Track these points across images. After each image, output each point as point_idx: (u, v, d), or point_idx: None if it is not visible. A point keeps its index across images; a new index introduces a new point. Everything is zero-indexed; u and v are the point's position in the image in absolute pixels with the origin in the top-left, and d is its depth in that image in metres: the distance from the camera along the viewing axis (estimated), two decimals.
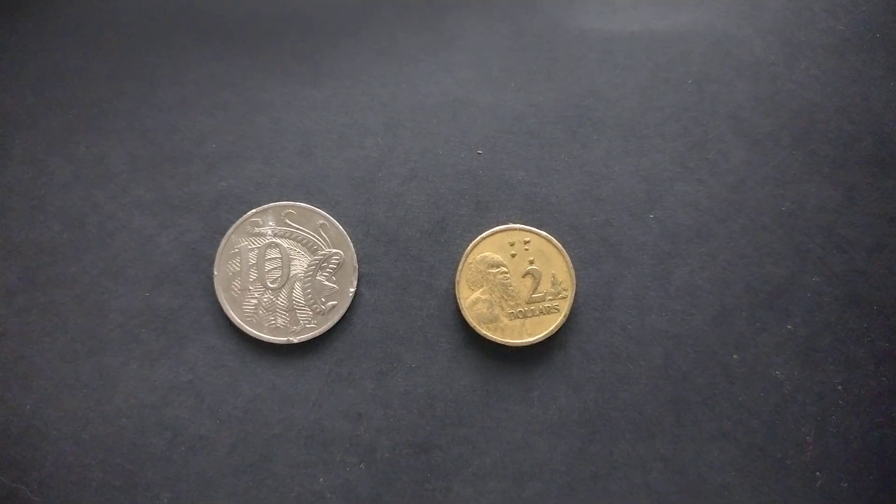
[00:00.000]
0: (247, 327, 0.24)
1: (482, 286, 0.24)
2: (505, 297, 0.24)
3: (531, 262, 0.24)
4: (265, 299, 0.24)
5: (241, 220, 0.24)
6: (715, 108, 0.25)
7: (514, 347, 0.24)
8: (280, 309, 0.24)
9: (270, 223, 0.24)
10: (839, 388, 0.24)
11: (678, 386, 0.24)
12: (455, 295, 0.24)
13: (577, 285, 0.24)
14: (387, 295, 0.24)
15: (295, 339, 0.24)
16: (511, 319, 0.24)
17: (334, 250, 0.24)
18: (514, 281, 0.24)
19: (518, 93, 0.25)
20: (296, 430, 0.24)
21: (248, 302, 0.24)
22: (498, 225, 0.24)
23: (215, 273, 0.24)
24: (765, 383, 0.24)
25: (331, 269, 0.24)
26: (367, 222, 0.25)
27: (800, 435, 0.23)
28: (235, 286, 0.24)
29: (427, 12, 0.26)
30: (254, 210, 0.24)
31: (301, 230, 0.24)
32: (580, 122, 0.25)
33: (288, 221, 0.24)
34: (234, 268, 0.24)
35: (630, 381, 0.24)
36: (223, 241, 0.24)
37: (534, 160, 0.25)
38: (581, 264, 0.24)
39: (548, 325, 0.24)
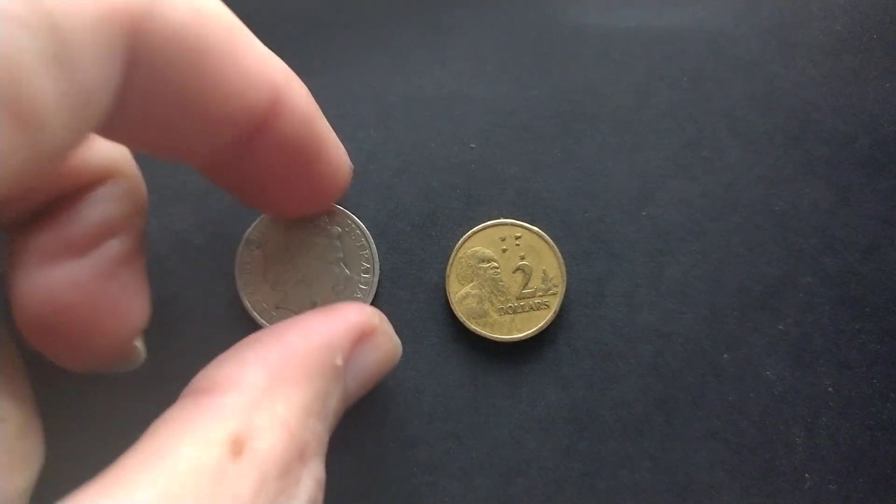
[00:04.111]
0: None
1: (472, 281, 0.24)
2: (495, 292, 0.24)
3: (522, 258, 0.24)
4: None
5: None
6: (710, 107, 0.25)
7: (504, 343, 0.24)
8: None
9: None
10: (830, 389, 0.24)
11: (668, 384, 0.24)
12: (445, 289, 0.24)
13: (567, 282, 0.24)
14: (377, 289, 0.24)
15: None
16: (500, 315, 0.23)
17: None
18: (505, 276, 0.24)
19: (512, 87, 0.25)
20: None
21: None
22: (489, 219, 0.24)
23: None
24: (755, 383, 0.24)
25: None
26: (357, 215, 0.24)
27: (790, 436, 0.23)
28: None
29: (422, 5, 0.26)
30: None
31: None
32: (574, 117, 0.25)
33: None
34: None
35: (619, 378, 0.24)
36: None
37: (527, 155, 0.25)
38: (572, 261, 0.24)
39: (537, 322, 0.23)
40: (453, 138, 0.25)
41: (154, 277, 0.24)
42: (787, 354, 0.24)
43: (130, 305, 0.18)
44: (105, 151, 0.17)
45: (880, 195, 0.24)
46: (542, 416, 0.24)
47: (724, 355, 0.24)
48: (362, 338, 0.18)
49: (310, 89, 0.26)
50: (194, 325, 0.24)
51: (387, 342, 0.19)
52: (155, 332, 0.24)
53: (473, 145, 0.25)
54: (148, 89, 0.13)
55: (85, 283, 0.16)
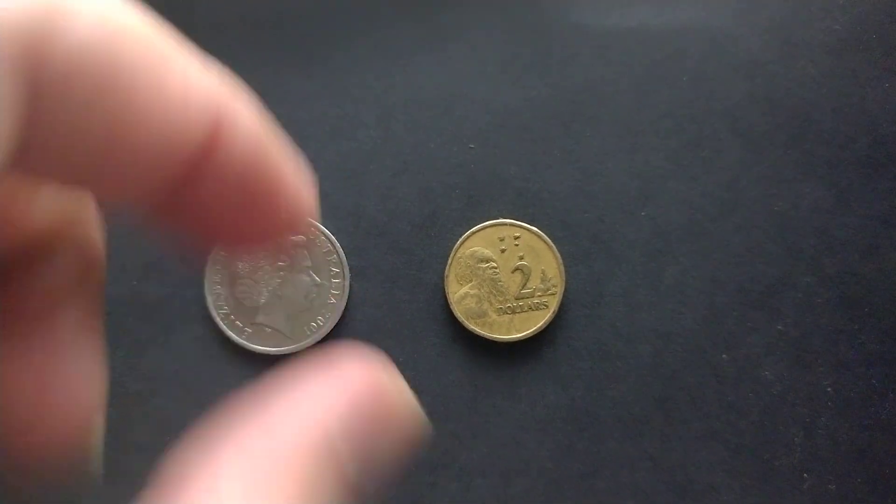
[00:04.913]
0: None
1: (471, 281, 0.24)
2: (494, 292, 0.24)
3: (521, 258, 0.24)
4: None
5: None
6: (710, 106, 0.25)
7: (503, 343, 0.24)
8: None
9: None
10: (829, 389, 0.24)
11: (667, 385, 0.24)
12: (444, 289, 0.24)
13: (566, 282, 0.24)
14: (376, 288, 0.24)
15: None
16: (500, 315, 0.23)
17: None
18: (504, 276, 0.24)
19: (512, 87, 0.25)
20: None
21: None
22: (489, 219, 0.24)
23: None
24: (754, 384, 0.24)
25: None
26: (357, 214, 0.24)
27: (788, 436, 0.23)
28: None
29: (423, 6, 0.26)
30: None
31: None
32: (574, 117, 0.25)
33: None
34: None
35: (618, 378, 0.24)
36: None
37: (526, 155, 0.25)
38: (571, 261, 0.24)
39: (536, 322, 0.23)
40: (453, 138, 0.25)
41: (154, 278, 0.24)
42: (786, 354, 0.24)
43: (83, 384, 0.15)
44: (45, 212, 0.15)
45: (880, 195, 0.24)
46: (541, 417, 0.24)
47: (724, 355, 0.24)
48: (369, 408, 0.12)
49: (310, 89, 0.26)
50: (194, 325, 0.24)
51: (402, 408, 0.13)
52: (153, 331, 0.24)
53: (473, 145, 0.25)
54: (59, 121, 0.11)
55: (31, 365, 0.14)
